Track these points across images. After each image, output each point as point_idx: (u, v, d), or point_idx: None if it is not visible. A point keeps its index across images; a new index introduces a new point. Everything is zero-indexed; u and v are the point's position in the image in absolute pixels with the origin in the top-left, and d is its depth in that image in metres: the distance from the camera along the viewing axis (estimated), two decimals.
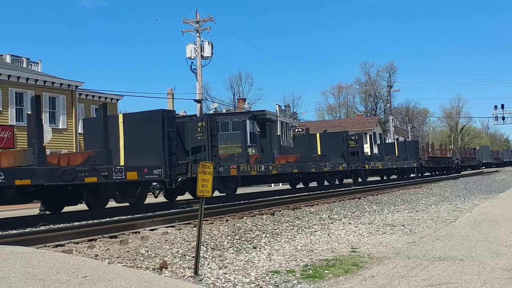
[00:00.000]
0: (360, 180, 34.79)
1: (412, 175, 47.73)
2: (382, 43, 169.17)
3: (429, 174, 55.40)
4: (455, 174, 55.42)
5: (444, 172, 59.40)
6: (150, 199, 19.98)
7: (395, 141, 48.37)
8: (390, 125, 78.56)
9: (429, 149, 56.82)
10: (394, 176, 44.20)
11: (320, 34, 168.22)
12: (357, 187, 29.57)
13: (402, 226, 12.63)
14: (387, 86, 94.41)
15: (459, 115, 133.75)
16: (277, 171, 25.20)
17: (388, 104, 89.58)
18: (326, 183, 31.93)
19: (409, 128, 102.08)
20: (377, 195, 23.75)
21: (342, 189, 28.29)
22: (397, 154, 43.37)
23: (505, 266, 7.42)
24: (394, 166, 41.26)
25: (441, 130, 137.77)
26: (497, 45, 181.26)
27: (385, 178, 42.72)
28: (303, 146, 30.99)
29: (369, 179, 37.73)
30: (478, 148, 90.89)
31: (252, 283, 6.89)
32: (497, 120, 73.67)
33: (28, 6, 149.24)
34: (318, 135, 33.20)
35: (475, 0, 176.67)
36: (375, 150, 44.59)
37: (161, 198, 21.55)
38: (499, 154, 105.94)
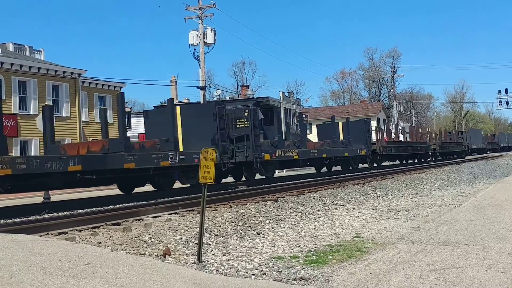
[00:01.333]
0: (375, 164, 38.90)
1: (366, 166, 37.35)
2: (386, 28, 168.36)
3: (396, 164, 45.60)
4: (427, 164, 44.27)
5: (415, 160, 48.31)
6: None
7: (339, 123, 35.50)
8: (394, 111, 78.29)
9: (386, 133, 43.66)
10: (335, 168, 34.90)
11: (323, 20, 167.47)
12: (374, 171, 32.31)
13: (406, 211, 12.58)
14: (391, 71, 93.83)
15: (463, 100, 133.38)
16: (312, 155, 29.10)
17: (392, 90, 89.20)
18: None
19: (413, 113, 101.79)
20: (381, 180, 23.69)
21: (363, 173, 30.77)
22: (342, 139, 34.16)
23: (510, 251, 7.37)
24: (324, 155, 30.10)
25: (445, 115, 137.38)
26: (501, 29, 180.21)
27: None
28: (329, 133, 33.44)
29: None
30: (466, 131, 77.76)
31: (256, 269, 6.86)
32: (501, 104, 73.36)
33: None
34: (340, 123, 35.38)
35: None
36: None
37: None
38: (495, 138, 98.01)
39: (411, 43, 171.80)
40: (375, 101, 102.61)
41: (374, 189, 19.07)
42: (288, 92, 78.14)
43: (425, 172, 30.15)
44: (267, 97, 67.07)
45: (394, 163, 46.17)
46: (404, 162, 46.01)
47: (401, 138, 53.12)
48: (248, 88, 79.13)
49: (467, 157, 61.31)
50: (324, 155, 29.92)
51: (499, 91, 73.35)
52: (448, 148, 58.53)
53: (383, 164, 41.72)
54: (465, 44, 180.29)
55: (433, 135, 56.82)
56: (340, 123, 35.12)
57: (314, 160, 30.43)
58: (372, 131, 39.04)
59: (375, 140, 37.77)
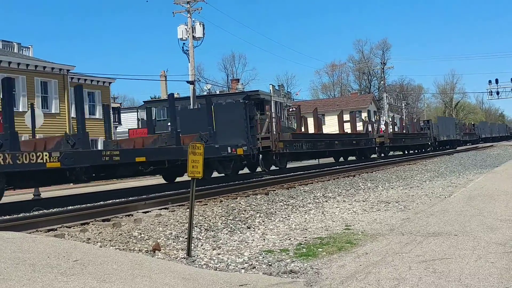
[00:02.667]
0: (382, 154, 41.93)
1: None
2: (376, 20, 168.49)
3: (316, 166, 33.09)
4: (369, 163, 32.59)
5: (353, 158, 37.88)
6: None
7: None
8: (384, 103, 78.45)
9: (301, 125, 33.14)
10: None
11: (312, 12, 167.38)
12: (383, 160, 35.31)
13: (397, 202, 12.61)
14: (381, 63, 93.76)
15: (454, 91, 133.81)
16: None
17: (382, 82, 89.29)
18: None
19: (403, 105, 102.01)
20: (372, 172, 23.74)
21: (374, 162, 33.53)
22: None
23: (499, 241, 7.39)
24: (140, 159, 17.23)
25: (436, 107, 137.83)
26: (491, 19, 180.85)
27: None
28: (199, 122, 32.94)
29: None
30: (431, 121, 62.01)
31: (246, 263, 6.84)
32: (491, 95, 73.63)
33: None
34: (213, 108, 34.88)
35: None
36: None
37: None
38: (474, 129, 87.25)
39: (401, 35, 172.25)
40: (366, 93, 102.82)
41: (365, 181, 19.09)
42: (278, 86, 78.14)
43: (415, 164, 30.21)
44: (258, 90, 67.12)
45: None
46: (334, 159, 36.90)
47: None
48: (238, 82, 79.11)
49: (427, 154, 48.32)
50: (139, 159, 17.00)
51: (490, 82, 73.70)
52: (404, 141, 46.30)
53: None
54: (455, 34, 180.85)
55: (381, 126, 46.79)
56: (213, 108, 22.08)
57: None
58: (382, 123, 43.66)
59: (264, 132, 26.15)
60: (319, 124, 34.72)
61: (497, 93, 72.40)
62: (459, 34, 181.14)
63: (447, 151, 53.39)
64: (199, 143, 7.30)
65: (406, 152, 49.42)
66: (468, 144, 75.11)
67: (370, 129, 40.39)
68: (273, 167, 26.91)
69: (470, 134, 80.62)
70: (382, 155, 42.46)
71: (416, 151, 51.28)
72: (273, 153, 25.85)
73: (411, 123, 56.00)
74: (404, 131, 50.32)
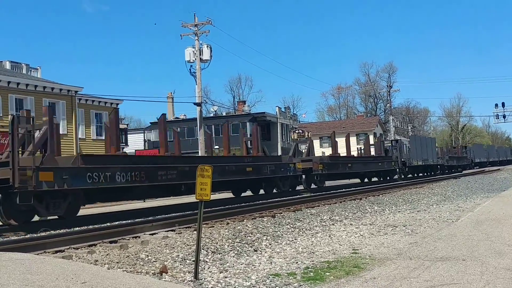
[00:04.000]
0: (403, 176, 44.09)
1: None
2: (382, 43, 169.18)
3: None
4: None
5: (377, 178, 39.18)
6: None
7: None
8: (390, 125, 78.46)
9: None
10: None
11: (319, 35, 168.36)
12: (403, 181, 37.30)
13: (404, 226, 12.57)
14: (387, 86, 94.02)
15: (460, 114, 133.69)
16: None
17: (388, 104, 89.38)
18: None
19: (409, 128, 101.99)
20: (379, 195, 23.68)
21: (398, 182, 36.07)
22: None
23: (508, 266, 7.36)
24: None
25: (442, 130, 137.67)
26: (497, 43, 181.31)
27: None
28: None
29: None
30: (400, 139, 53.94)
31: (253, 287, 6.84)
32: (498, 118, 73.41)
33: (28, 11, 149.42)
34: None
35: (475, 1, 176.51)
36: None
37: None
38: (466, 152, 74.23)
39: (407, 58, 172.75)
40: (372, 116, 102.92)
41: (372, 204, 19.05)
42: (284, 108, 78.35)
43: (422, 187, 30.12)
44: (264, 112, 67.33)
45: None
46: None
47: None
48: (245, 104, 79.35)
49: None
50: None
51: (496, 105, 73.49)
52: (350, 167, 35.05)
53: None
54: (461, 58, 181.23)
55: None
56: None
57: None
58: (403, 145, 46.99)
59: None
60: (335, 147, 35.60)
61: (504, 116, 72.21)
62: (465, 58, 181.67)
63: (453, 174, 52.50)
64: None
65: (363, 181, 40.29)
66: (457, 170, 63.20)
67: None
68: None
69: (460, 158, 67.62)
70: (402, 176, 44.86)
71: (380, 178, 41.08)
72: (314, 173, 30.05)
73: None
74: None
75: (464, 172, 59.97)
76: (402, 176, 43.88)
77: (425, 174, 51.76)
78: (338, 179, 36.36)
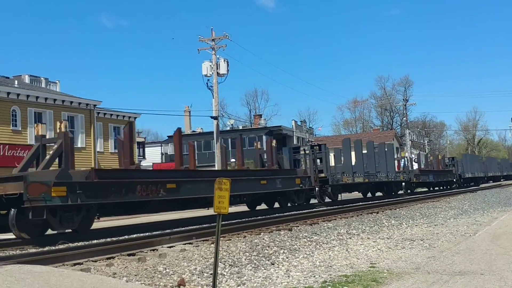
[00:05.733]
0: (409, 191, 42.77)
1: None
2: (397, 57, 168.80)
3: None
4: None
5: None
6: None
7: None
8: (406, 139, 78.15)
9: None
10: None
11: (334, 48, 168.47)
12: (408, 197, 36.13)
13: (421, 240, 12.52)
14: (403, 100, 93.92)
15: (476, 128, 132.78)
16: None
17: (404, 118, 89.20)
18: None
19: (426, 141, 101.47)
20: (395, 209, 23.57)
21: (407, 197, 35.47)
22: None
23: None
24: None
25: (459, 143, 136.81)
26: None
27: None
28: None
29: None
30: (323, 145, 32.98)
31: None
32: None
33: (47, 26, 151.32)
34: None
35: (491, 14, 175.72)
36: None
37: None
38: (453, 164, 55.51)
39: (423, 71, 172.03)
40: (388, 130, 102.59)
41: (388, 218, 18.97)
42: (300, 121, 78.40)
43: (439, 201, 29.94)
44: (280, 126, 67.45)
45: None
46: None
47: None
48: (261, 117, 79.50)
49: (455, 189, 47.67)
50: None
51: None
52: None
53: None
54: (477, 71, 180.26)
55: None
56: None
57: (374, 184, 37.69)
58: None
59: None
60: None
61: None
62: (481, 71, 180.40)
63: (418, 195, 39.40)
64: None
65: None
66: (433, 188, 50.95)
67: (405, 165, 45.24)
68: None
69: (441, 172, 51.61)
70: (409, 191, 43.07)
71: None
72: (328, 186, 30.37)
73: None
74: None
75: (481, 185, 59.16)
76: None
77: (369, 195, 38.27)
78: (351, 192, 36.66)
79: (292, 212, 22.19)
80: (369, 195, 38.11)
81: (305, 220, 17.87)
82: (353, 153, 35.03)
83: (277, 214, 21.59)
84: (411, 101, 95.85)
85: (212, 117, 40.48)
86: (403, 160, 43.65)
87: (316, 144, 34.90)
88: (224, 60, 40.36)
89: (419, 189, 48.25)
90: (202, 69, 40.51)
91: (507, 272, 7.91)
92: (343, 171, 32.87)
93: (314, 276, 8.40)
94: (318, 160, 30.04)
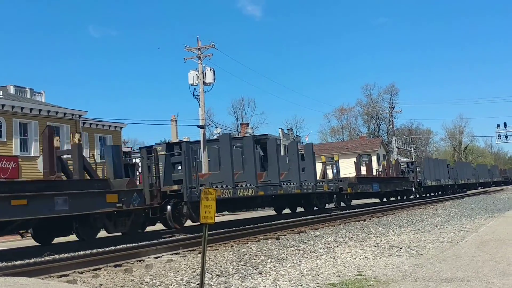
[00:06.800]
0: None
1: None
2: (383, 64, 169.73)
3: None
4: None
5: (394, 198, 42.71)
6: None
7: None
8: (393, 146, 78.46)
9: None
10: None
11: (321, 57, 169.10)
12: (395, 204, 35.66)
13: (408, 247, 12.55)
14: (389, 107, 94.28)
15: (462, 135, 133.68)
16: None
17: (391, 125, 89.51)
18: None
19: (412, 148, 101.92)
20: (383, 216, 23.64)
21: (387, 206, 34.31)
22: None
23: None
24: None
25: (445, 150, 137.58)
26: (499, 63, 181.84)
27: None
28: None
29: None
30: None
31: None
32: (500, 138, 73.44)
33: (33, 36, 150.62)
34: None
35: (476, 21, 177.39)
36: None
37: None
38: (412, 170, 47.33)
39: (409, 79, 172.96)
40: (374, 137, 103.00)
41: (376, 226, 19.01)
42: (287, 129, 78.51)
43: (426, 208, 30.07)
44: (267, 134, 67.45)
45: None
46: None
47: None
48: (248, 126, 79.49)
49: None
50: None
51: (498, 125, 73.57)
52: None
53: None
54: (462, 78, 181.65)
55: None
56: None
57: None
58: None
59: None
60: (359, 168, 38.52)
61: (506, 136, 72.25)
62: (467, 78, 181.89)
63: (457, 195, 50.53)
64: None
65: None
66: (383, 198, 42.44)
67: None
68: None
69: (390, 181, 41.31)
70: (418, 195, 45.63)
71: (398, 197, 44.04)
72: (344, 193, 31.52)
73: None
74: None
75: (468, 192, 59.32)
76: None
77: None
78: (363, 198, 38.69)
79: (275, 222, 22.16)
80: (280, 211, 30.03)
81: (292, 229, 17.87)
82: (239, 155, 25.38)
83: (264, 223, 21.52)
84: (397, 109, 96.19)
85: (198, 126, 40.46)
86: (335, 165, 32.26)
87: (168, 143, 28.30)
88: (210, 69, 40.39)
89: (373, 200, 41.61)
90: (188, 78, 40.50)
91: (493, 279, 7.94)
92: (221, 181, 22.43)
93: (301, 285, 8.39)
94: (179, 166, 21.46)
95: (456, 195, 52.40)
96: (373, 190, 36.95)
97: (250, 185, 22.98)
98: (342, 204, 32.69)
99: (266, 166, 26.97)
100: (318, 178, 29.90)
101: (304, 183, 27.53)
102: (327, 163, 33.09)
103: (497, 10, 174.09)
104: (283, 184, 25.47)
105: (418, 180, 46.29)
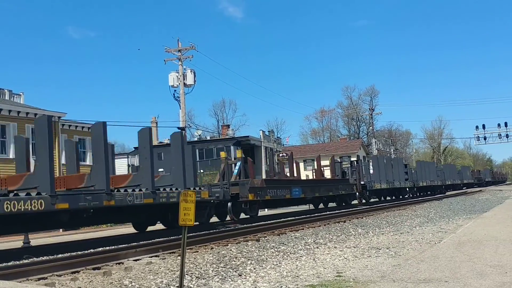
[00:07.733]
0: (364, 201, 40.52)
1: None
2: (363, 67, 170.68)
3: None
4: None
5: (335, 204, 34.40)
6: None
7: None
8: (373, 148, 78.91)
9: None
10: None
11: (302, 59, 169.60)
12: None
13: (387, 248, 12.63)
14: (369, 109, 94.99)
15: (441, 136, 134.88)
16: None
17: (371, 127, 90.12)
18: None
19: (392, 150, 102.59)
20: (362, 218, 23.76)
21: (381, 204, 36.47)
22: None
23: (489, 287, 7.44)
24: None
25: (424, 152, 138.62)
26: (477, 66, 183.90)
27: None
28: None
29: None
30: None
31: None
32: (478, 140, 74.48)
33: (11, 37, 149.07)
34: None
35: (455, 26, 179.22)
36: None
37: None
38: (352, 171, 40.72)
39: (389, 81, 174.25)
40: (355, 139, 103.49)
41: (355, 227, 19.11)
42: (268, 131, 78.51)
43: (405, 209, 30.28)
44: (248, 136, 67.43)
45: None
46: None
47: None
48: (229, 128, 79.33)
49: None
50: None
51: (477, 127, 74.57)
52: None
53: None
54: (442, 81, 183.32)
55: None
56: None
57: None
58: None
59: None
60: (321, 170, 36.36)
61: (484, 138, 73.27)
62: (446, 81, 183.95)
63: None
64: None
65: None
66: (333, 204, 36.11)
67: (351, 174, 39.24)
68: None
69: (321, 184, 33.57)
70: (364, 201, 38.58)
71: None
72: (241, 200, 23.15)
73: None
74: None
75: (447, 193, 59.72)
76: None
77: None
78: (282, 206, 32.38)
79: (261, 223, 22.17)
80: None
81: (273, 231, 17.89)
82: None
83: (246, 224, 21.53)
84: (377, 111, 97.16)
85: (179, 128, 40.35)
86: (237, 165, 26.81)
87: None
88: (191, 71, 40.37)
89: (307, 207, 34.52)
90: (169, 79, 40.42)
91: (470, 279, 8.02)
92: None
93: (281, 287, 8.40)
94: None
95: (414, 199, 46.93)
96: (293, 196, 28.07)
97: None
98: (243, 216, 24.69)
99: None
100: (216, 181, 24.99)
101: (162, 190, 18.19)
102: (229, 161, 26.46)
103: (473, 16, 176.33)
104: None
105: (362, 183, 38.58)
